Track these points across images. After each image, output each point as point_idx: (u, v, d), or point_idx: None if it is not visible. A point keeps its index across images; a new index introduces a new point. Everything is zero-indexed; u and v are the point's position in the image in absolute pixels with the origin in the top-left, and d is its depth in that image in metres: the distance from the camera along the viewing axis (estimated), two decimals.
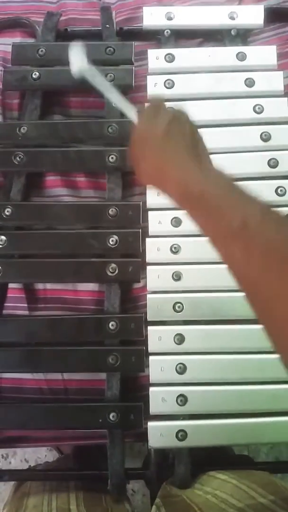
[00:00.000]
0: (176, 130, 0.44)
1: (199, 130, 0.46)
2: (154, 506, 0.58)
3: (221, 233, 0.37)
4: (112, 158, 0.66)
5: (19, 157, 0.66)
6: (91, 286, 0.66)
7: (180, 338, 0.61)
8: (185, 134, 0.44)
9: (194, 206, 0.41)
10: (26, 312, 0.66)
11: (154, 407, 0.60)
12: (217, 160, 0.64)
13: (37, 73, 0.69)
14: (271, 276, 0.33)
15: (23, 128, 0.67)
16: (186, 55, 0.71)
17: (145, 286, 0.63)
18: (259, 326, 0.61)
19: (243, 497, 0.51)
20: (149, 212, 0.65)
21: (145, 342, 0.61)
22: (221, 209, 0.37)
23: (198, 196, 0.39)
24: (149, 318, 0.62)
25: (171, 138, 0.43)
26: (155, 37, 0.74)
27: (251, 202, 0.38)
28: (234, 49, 0.71)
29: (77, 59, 0.53)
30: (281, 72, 0.69)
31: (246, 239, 0.34)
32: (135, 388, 0.63)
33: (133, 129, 0.47)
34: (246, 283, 0.36)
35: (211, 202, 0.38)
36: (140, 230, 0.64)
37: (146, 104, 0.49)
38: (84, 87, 0.70)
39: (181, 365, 0.60)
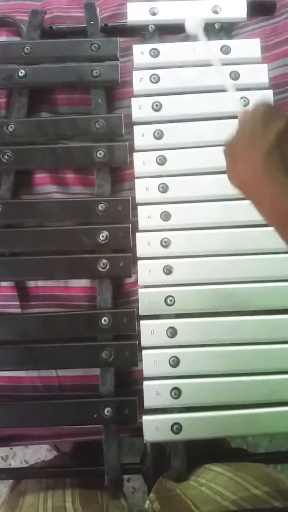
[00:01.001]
0: (285, 147, 0.40)
1: None
2: (147, 501, 0.58)
3: None
4: (100, 153, 0.66)
5: (7, 155, 0.66)
6: (83, 282, 0.66)
7: (172, 332, 0.61)
8: None
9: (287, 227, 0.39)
10: (18, 310, 0.65)
11: (149, 401, 0.60)
12: (203, 154, 0.66)
13: (23, 71, 0.69)
14: None
15: (11, 126, 0.67)
16: (171, 50, 0.71)
17: (136, 281, 0.64)
18: (252, 317, 0.62)
19: (238, 489, 0.52)
20: (139, 207, 0.65)
21: (137, 336, 0.61)
22: None
23: None
24: (141, 313, 0.62)
25: (278, 154, 0.39)
26: (139, 32, 0.74)
27: None
28: (218, 43, 0.71)
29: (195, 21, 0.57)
30: (265, 65, 0.70)
31: None
32: (129, 383, 0.63)
33: (241, 122, 0.44)
34: None
35: None
36: (130, 225, 0.64)
37: (257, 104, 0.45)
38: (70, 84, 0.71)
39: (174, 358, 0.60)
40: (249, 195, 0.42)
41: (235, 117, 0.67)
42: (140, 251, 0.64)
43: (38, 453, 1.15)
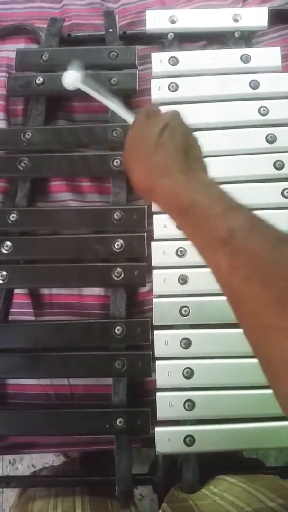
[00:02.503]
0: (169, 137, 0.43)
1: (194, 133, 0.45)
2: (160, 510, 0.57)
3: (208, 244, 0.37)
4: (116, 162, 0.66)
5: (24, 163, 0.66)
6: (97, 291, 0.66)
7: (186, 343, 0.61)
8: (176, 140, 0.43)
9: (182, 217, 0.41)
10: (32, 318, 0.65)
11: (162, 412, 0.59)
12: (221, 163, 0.65)
13: (41, 79, 0.70)
14: (255, 288, 0.32)
15: (28, 134, 0.68)
16: (190, 58, 0.71)
17: (151, 290, 0.63)
18: None
19: (252, 501, 0.51)
20: (154, 216, 0.65)
21: (151, 346, 0.61)
22: (208, 220, 0.37)
23: (186, 205, 0.39)
24: (155, 323, 0.62)
25: (163, 145, 0.43)
26: (158, 40, 0.74)
27: (239, 212, 0.37)
28: (238, 51, 0.70)
29: (71, 76, 0.56)
30: (285, 74, 0.69)
31: (231, 250, 0.34)
32: (142, 393, 0.63)
33: (128, 135, 0.47)
34: (230, 292, 0.35)
35: (199, 211, 0.38)
36: (145, 234, 0.64)
37: (141, 109, 0.49)
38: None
39: (188, 369, 0.60)
40: (150, 199, 0.45)
41: (253, 126, 0.67)
42: (155, 260, 0.63)
43: (45, 457, 1.15)
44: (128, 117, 0.52)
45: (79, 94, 0.71)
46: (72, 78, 0.56)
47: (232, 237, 0.34)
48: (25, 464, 1.16)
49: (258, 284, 0.32)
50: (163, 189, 0.42)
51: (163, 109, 0.48)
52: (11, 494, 1.03)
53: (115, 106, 0.54)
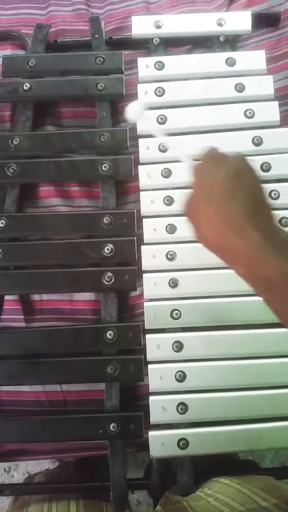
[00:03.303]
0: (239, 185, 0.39)
1: (260, 180, 0.40)
2: None
3: None
4: (105, 167, 0.66)
5: (12, 169, 0.66)
6: (88, 296, 0.66)
7: (178, 346, 0.61)
8: (249, 191, 0.39)
9: (269, 286, 0.36)
10: (22, 324, 0.65)
11: (155, 416, 0.59)
12: None
13: (28, 85, 0.69)
14: None
15: (16, 140, 0.67)
16: (176, 63, 0.71)
17: (141, 294, 0.63)
18: (258, 331, 0.61)
19: (245, 501, 0.51)
20: (144, 220, 0.65)
21: (143, 350, 0.61)
22: None
23: (273, 275, 0.35)
24: (146, 326, 0.62)
25: (236, 196, 0.38)
26: (144, 45, 0.74)
27: None
28: (223, 55, 0.71)
29: (136, 108, 0.55)
30: (271, 76, 0.70)
31: None
32: (134, 398, 0.63)
33: (192, 180, 0.42)
34: None
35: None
36: (135, 238, 0.64)
37: (202, 153, 0.44)
38: (75, 97, 0.71)
39: (180, 373, 0.60)
40: (224, 259, 0.40)
41: (240, 129, 0.68)
42: (146, 264, 0.63)
43: (40, 465, 1.14)
44: (185, 157, 0.48)
45: (66, 99, 0.72)
46: (136, 110, 0.55)
47: None
48: (21, 471, 1.15)
49: None
50: (239, 248, 0.37)
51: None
52: (6, 503, 1.02)
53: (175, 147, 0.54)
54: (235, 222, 0.37)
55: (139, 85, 0.69)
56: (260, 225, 0.37)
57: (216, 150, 0.44)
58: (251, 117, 0.68)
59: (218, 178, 0.39)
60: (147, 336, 0.61)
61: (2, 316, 0.65)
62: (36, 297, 0.66)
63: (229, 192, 0.38)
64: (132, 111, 0.55)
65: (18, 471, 1.15)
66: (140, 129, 0.67)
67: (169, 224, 0.64)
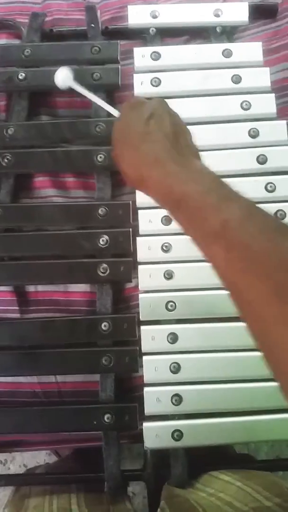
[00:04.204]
0: (156, 124, 0.42)
1: (181, 120, 0.44)
2: (159, 509, 0.57)
3: (203, 234, 0.37)
4: (100, 157, 0.65)
5: (7, 159, 0.66)
6: (83, 287, 0.65)
7: (173, 337, 0.61)
8: (164, 128, 0.42)
9: (176, 207, 0.40)
10: (17, 315, 0.65)
11: (149, 408, 0.59)
12: (205, 158, 0.65)
13: (23, 74, 0.69)
14: (251, 281, 0.32)
15: (10, 130, 0.67)
16: (172, 53, 0.70)
17: (137, 285, 0.63)
18: None
19: (248, 500, 0.51)
20: (139, 211, 0.64)
21: (138, 342, 0.61)
22: (202, 210, 0.37)
23: (179, 197, 0.38)
24: (141, 318, 0.61)
25: (150, 134, 0.42)
26: (140, 35, 0.74)
27: (235, 201, 0.36)
28: (220, 46, 0.70)
29: (64, 73, 0.59)
30: (267, 68, 0.69)
31: (226, 240, 0.34)
32: (129, 389, 0.63)
33: (114, 128, 0.47)
34: (228, 285, 0.35)
35: (192, 203, 0.38)
36: (131, 230, 0.64)
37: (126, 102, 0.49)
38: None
39: (175, 364, 0.60)
40: (142, 190, 0.44)
41: (236, 121, 0.68)
42: (141, 255, 0.63)
43: (37, 457, 1.14)
44: (115, 112, 0.52)
45: (61, 89, 0.71)
46: (64, 76, 0.58)
47: (225, 229, 0.34)
48: (17, 464, 1.15)
49: (254, 276, 0.32)
50: (154, 179, 0.41)
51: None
52: (3, 494, 1.02)
53: (102, 102, 0.56)
54: (151, 157, 0.41)
55: (135, 75, 0.69)
56: (176, 157, 0.41)
57: (137, 97, 0.49)
58: (248, 109, 0.68)
59: (135, 120, 0.44)
60: (142, 327, 0.61)
61: None
62: (31, 288, 0.66)
63: (145, 132, 0.42)
64: (61, 77, 0.58)
65: (14, 464, 1.15)
66: None
67: (164, 216, 0.64)
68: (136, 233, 0.64)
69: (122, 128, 0.46)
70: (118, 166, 0.46)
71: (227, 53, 0.70)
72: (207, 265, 0.62)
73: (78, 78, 0.69)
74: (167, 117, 0.44)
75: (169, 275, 0.62)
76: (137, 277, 0.63)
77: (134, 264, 0.63)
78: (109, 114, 0.68)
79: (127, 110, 0.46)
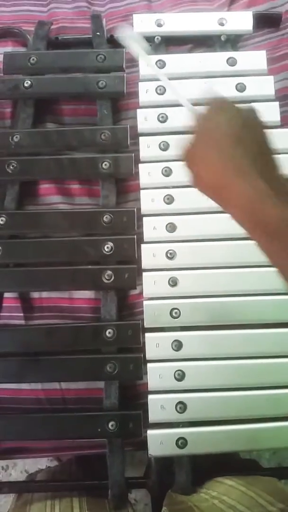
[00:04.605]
0: (250, 133, 0.38)
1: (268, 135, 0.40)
2: None
3: None
4: (105, 165, 0.66)
5: (13, 166, 0.66)
6: (87, 294, 0.65)
7: (178, 345, 0.61)
8: (259, 138, 0.39)
9: (269, 236, 0.35)
10: (22, 322, 0.65)
11: (153, 415, 0.59)
12: None
13: (29, 82, 0.69)
14: None
15: (16, 137, 0.67)
16: (177, 61, 0.71)
17: (141, 292, 0.63)
18: (257, 331, 0.61)
19: (252, 505, 0.50)
20: (144, 218, 0.65)
21: (142, 349, 0.61)
22: None
23: (270, 219, 0.34)
24: (146, 325, 0.61)
25: (244, 142, 0.38)
26: None
27: None
28: (224, 55, 0.71)
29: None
30: (271, 77, 0.70)
31: None
32: (133, 396, 0.63)
33: (194, 124, 0.42)
34: None
35: (279, 229, 0.34)
36: (135, 237, 0.64)
37: (208, 99, 0.43)
38: (76, 94, 0.71)
39: (179, 372, 0.60)
40: (219, 202, 0.40)
41: None
42: (145, 262, 0.63)
43: (38, 463, 1.13)
44: (188, 104, 0.47)
45: (67, 96, 0.72)
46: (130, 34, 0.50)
47: None
48: (18, 470, 1.15)
49: None
50: (241, 190, 0.36)
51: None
52: (5, 501, 1.02)
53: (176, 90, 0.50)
54: (239, 165, 0.37)
55: (140, 83, 0.69)
56: (265, 173, 0.36)
57: (222, 97, 0.43)
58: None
59: (226, 124, 0.39)
60: (147, 334, 0.61)
61: (1, 314, 0.65)
62: (35, 294, 0.66)
63: (236, 138, 0.38)
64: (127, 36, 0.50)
65: (16, 469, 1.15)
66: (141, 127, 0.67)
67: (169, 223, 0.64)
68: (140, 240, 0.64)
69: (209, 127, 0.40)
70: (190, 167, 0.41)
71: (231, 62, 0.70)
72: (212, 272, 0.63)
73: (83, 85, 0.70)
74: (260, 127, 0.40)
75: (173, 282, 0.62)
76: (142, 284, 0.63)
77: (139, 271, 0.63)
78: (114, 122, 0.69)
79: (217, 109, 0.41)
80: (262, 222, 0.35)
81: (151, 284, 0.63)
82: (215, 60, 0.71)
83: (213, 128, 0.40)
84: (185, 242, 0.64)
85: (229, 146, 0.38)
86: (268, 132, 0.40)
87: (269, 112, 0.68)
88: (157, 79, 0.69)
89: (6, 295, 0.66)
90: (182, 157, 0.42)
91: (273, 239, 0.35)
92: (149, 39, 0.73)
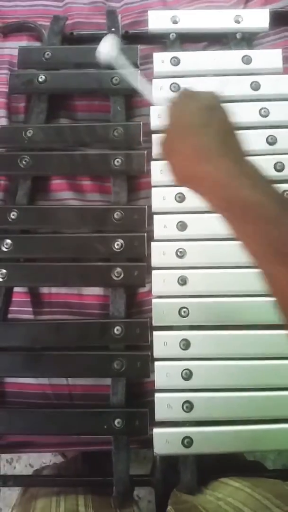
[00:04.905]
0: (214, 118, 0.39)
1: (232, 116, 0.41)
2: None
3: (267, 252, 0.34)
4: (117, 161, 0.65)
5: (25, 161, 0.66)
6: (96, 290, 0.66)
7: (185, 344, 0.60)
8: (220, 122, 0.40)
9: (236, 213, 0.36)
10: (31, 316, 0.65)
11: (160, 414, 0.59)
12: None
13: (43, 77, 0.69)
14: None
15: (29, 132, 0.67)
16: (192, 59, 0.70)
17: (150, 290, 0.63)
18: (265, 332, 0.61)
19: (257, 507, 0.50)
20: (155, 216, 0.64)
21: (150, 347, 0.61)
22: (264, 223, 0.34)
23: (234, 200, 0.35)
24: (154, 323, 0.61)
25: (206, 126, 0.39)
26: (160, 40, 0.74)
27: None
28: (239, 53, 0.70)
29: (107, 48, 0.54)
30: (286, 76, 0.69)
31: None
32: (140, 394, 0.63)
33: (164, 118, 0.43)
34: None
35: (251, 211, 0.35)
36: (146, 234, 0.64)
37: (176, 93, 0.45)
38: (89, 90, 0.71)
39: (186, 371, 0.60)
40: (194, 188, 0.41)
41: (254, 127, 0.67)
42: (155, 260, 0.63)
43: (43, 457, 1.14)
44: (160, 101, 0.49)
45: (81, 92, 0.72)
46: (108, 47, 0.54)
47: None
48: (23, 463, 1.16)
49: None
50: (212, 178, 0.37)
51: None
52: (8, 493, 1.03)
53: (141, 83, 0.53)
54: (206, 151, 0.38)
55: (154, 80, 0.69)
56: (230, 154, 0.38)
57: (188, 89, 0.45)
58: (266, 116, 0.67)
59: (191, 112, 0.41)
60: (155, 333, 0.61)
61: (11, 308, 0.65)
62: (45, 290, 0.66)
63: (201, 124, 0.39)
64: (104, 50, 0.53)
65: (20, 463, 1.16)
66: (154, 124, 0.67)
67: (180, 221, 0.64)
68: (151, 238, 0.64)
69: (178, 118, 0.42)
70: (166, 159, 0.43)
71: (246, 60, 0.70)
72: (221, 271, 0.62)
73: (97, 81, 0.70)
74: (223, 110, 0.41)
75: (183, 281, 0.62)
76: (151, 282, 0.62)
77: (148, 269, 0.63)
78: (128, 119, 0.69)
79: (181, 100, 0.43)
80: (230, 201, 0.36)
81: (160, 282, 0.62)
82: (230, 58, 0.71)
83: (181, 119, 0.41)
84: (195, 241, 0.64)
85: (195, 134, 0.39)
86: (231, 116, 0.41)
87: (284, 111, 0.68)
88: (172, 76, 0.69)
89: (16, 289, 0.66)
90: (160, 153, 0.44)
91: (240, 217, 0.36)
92: (164, 35, 0.73)
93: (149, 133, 0.67)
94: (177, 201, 0.65)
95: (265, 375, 0.60)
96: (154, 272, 0.63)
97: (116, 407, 0.60)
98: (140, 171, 0.66)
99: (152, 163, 0.66)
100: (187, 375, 0.60)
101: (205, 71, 0.70)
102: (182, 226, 0.64)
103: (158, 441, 0.58)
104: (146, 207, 0.65)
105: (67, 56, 0.71)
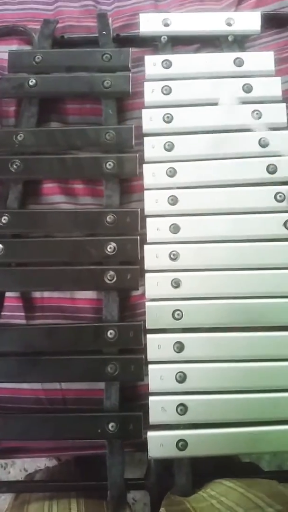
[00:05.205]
0: None
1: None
2: None
3: None
4: (109, 164, 0.65)
5: (16, 165, 0.66)
6: (89, 294, 0.65)
7: (179, 346, 0.60)
8: None
9: None
10: (23, 321, 0.65)
11: (154, 417, 0.59)
12: (215, 167, 0.65)
13: (34, 80, 0.69)
14: None
15: (20, 136, 0.67)
16: (183, 61, 0.70)
17: (143, 293, 0.63)
18: (260, 334, 0.61)
19: (250, 506, 0.50)
20: (147, 219, 0.64)
21: (144, 350, 0.60)
22: None
23: None
24: (148, 326, 0.61)
25: None
26: (152, 43, 0.74)
27: None
28: (231, 55, 0.70)
29: None
30: (279, 78, 0.69)
31: None
32: (134, 397, 0.62)
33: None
34: None
35: None
36: (138, 237, 0.63)
37: None
38: (81, 94, 0.71)
39: (181, 373, 0.59)
40: None
41: (246, 130, 0.67)
42: (148, 263, 0.63)
43: (37, 461, 1.14)
44: None
45: (72, 96, 0.72)
46: None
47: None
48: (17, 468, 1.15)
49: None
50: None
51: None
52: (3, 498, 1.02)
53: None
54: None
55: (145, 83, 0.69)
56: None
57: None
58: (258, 118, 0.67)
59: None
60: (148, 336, 0.61)
61: (2, 313, 0.65)
62: (37, 294, 0.65)
63: None
64: None
65: (15, 468, 1.15)
66: (146, 127, 0.67)
67: (172, 224, 0.64)
68: (143, 241, 0.63)
69: None
70: None
71: (238, 62, 0.70)
72: (215, 274, 0.62)
73: (88, 85, 0.70)
74: None
75: (176, 284, 0.62)
76: (144, 285, 0.62)
77: (141, 272, 0.63)
78: (119, 122, 0.69)
79: None
80: None
81: (154, 285, 0.62)
82: (222, 60, 0.70)
83: None
84: (188, 244, 0.63)
85: None
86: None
87: (276, 113, 0.68)
88: (163, 79, 0.69)
89: (8, 294, 0.65)
90: None
91: None
92: (156, 38, 0.73)
93: (141, 136, 0.67)
94: (169, 203, 0.64)
95: (260, 377, 0.60)
96: (147, 275, 0.63)
97: (110, 411, 0.60)
98: (132, 174, 0.66)
99: (144, 166, 0.66)
100: (181, 377, 0.59)
101: (197, 74, 0.70)
102: (175, 228, 0.64)
103: (152, 445, 0.58)
104: (138, 210, 0.64)
105: (57, 59, 0.71)
